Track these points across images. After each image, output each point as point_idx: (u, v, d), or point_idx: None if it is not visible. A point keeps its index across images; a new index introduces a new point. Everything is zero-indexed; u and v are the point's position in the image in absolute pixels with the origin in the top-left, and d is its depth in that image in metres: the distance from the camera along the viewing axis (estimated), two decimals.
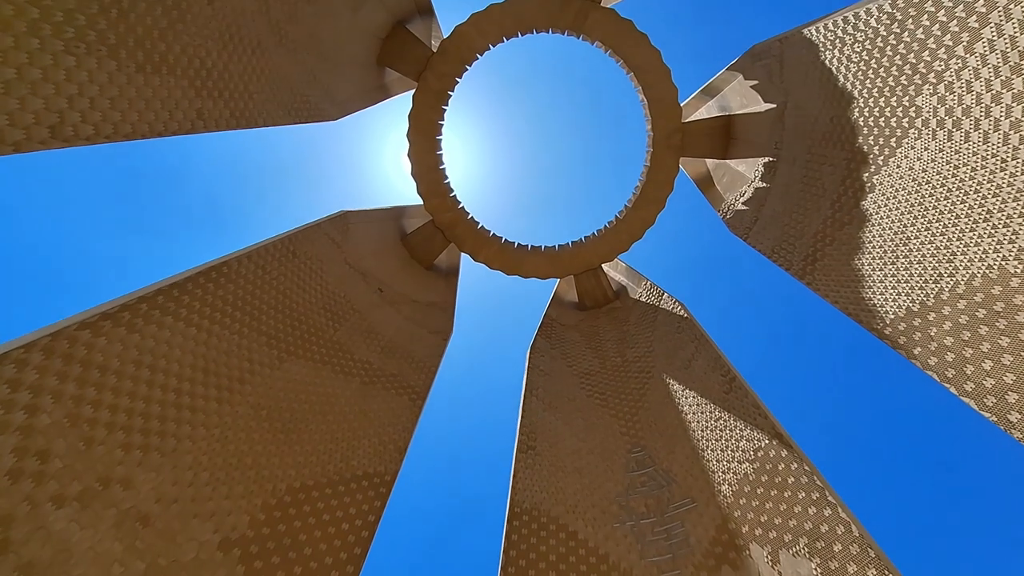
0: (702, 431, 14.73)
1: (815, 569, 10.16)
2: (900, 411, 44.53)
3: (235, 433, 11.68)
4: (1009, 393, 9.41)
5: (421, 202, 23.88)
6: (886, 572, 9.26)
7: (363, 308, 18.54)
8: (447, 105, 23.44)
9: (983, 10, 9.61)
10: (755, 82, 20.36)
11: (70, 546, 8.07)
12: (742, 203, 21.61)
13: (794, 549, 10.73)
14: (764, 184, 20.23)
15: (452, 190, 24.65)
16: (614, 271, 29.24)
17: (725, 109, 24.30)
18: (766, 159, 20.46)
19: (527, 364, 20.40)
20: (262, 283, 14.18)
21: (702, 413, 15.26)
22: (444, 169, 24.27)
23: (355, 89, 19.92)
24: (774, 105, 19.39)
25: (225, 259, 13.00)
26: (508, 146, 57.63)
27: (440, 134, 23.67)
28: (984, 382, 9.86)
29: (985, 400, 9.78)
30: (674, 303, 21.35)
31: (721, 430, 14.26)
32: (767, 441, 12.89)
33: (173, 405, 10.65)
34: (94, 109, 9.96)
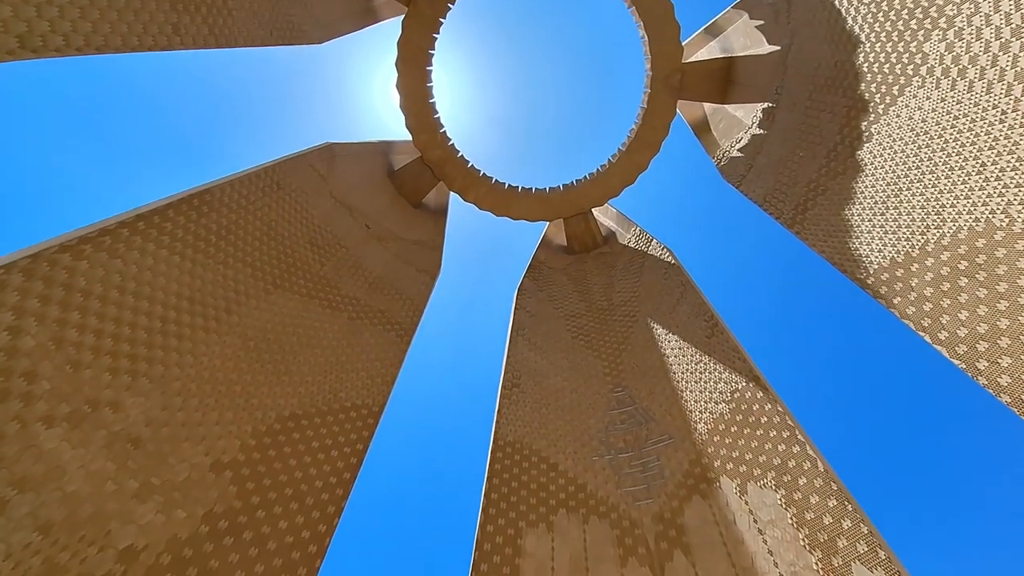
0: (683, 373, 15.19)
1: (780, 499, 10.83)
2: (875, 359, 46.71)
3: (223, 362, 11.73)
4: (980, 342, 9.76)
5: (410, 138, 23.15)
6: (846, 503, 9.91)
7: (350, 244, 18.31)
8: (439, 33, 22.22)
9: None
10: (761, 22, 19.57)
11: (62, 463, 8.22)
12: (738, 150, 21.31)
13: (762, 482, 11.38)
14: (761, 131, 19.89)
15: (442, 126, 23.84)
16: (604, 216, 29.05)
17: (727, 51, 23.46)
18: (765, 104, 20.00)
19: (514, 305, 20.57)
20: (246, 213, 13.84)
21: (684, 356, 15.68)
22: (434, 103, 23.33)
23: (341, 11, 18.74)
24: (778, 47, 18.75)
25: (207, 187, 12.59)
26: (502, 85, 55.42)
27: (431, 64, 22.56)
28: (958, 331, 10.20)
29: (956, 348, 10.15)
30: (662, 249, 21.42)
31: (701, 372, 14.71)
32: (744, 383, 13.36)
33: (160, 332, 10.60)
34: (63, 18, 9.24)
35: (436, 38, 22.08)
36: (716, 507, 11.86)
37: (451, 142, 24.43)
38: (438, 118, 23.51)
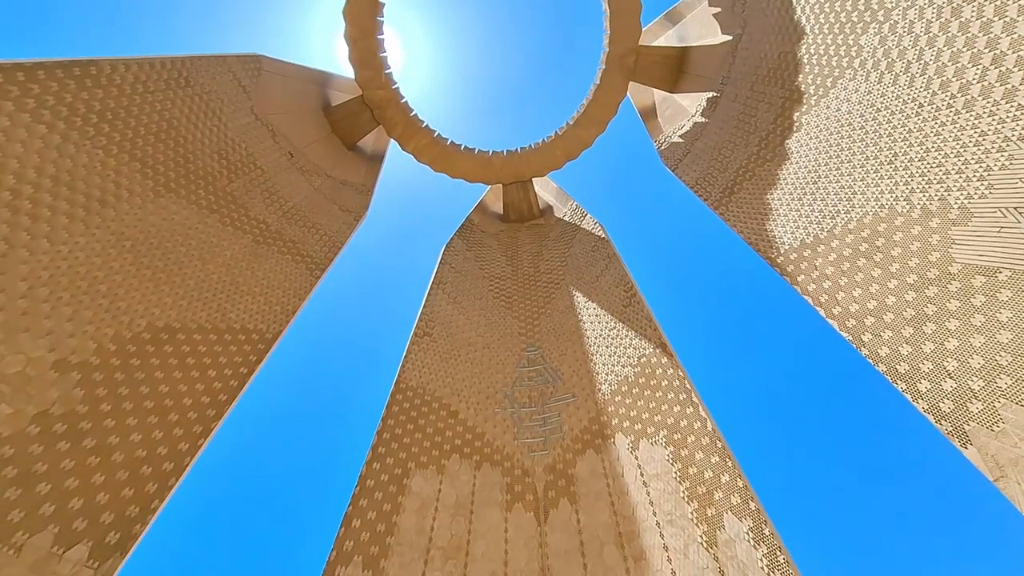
0: (596, 338, 15.20)
1: (668, 456, 10.98)
2: (778, 333, 50.91)
3: (88, 256, 10.31)
4: (868, 317, 10.26)
5: (352, 74, 21.78)
6: (727, 460, 10.16)
7: (267, 167, 16.88)
8: None
9: None
10: (717, 10, 19.85)
11: None
12: (679, 136, 21.63)
13: (654, 439, 11.52)
14: (703, 119, 20.26)
15: (388, 67, 22.62)
16: (544, 191, 28.84)
17: (683, 39, 23.72)
18: (710, 94, 20.38)
19: (440, 260, 19.91)
20: (142, 102, 12.27)
21: (599, 322, 15.69)
22: (383, 40, 22.04)
23: None
24: (729, 37, 19.10)
25: (95, 59, 11.00)
26: (459, 44, 54.05)
27: None
28: (850, 307, 10.69)
29: (847, 322, 10.64)
30: (594, 224, 21.45)
31: (613, 338, 14.76)
32: (651, 349, 13.49)
33: (7, 206, 9.10)
34: None
35: None
36: (607, 461, 11.90)
37: (396, 85, 23.23)
38: (385, 57, 22.23)
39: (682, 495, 10.18)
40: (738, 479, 9.72)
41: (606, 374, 13.83)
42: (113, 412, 9.38)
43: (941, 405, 8.61)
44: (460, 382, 14.51)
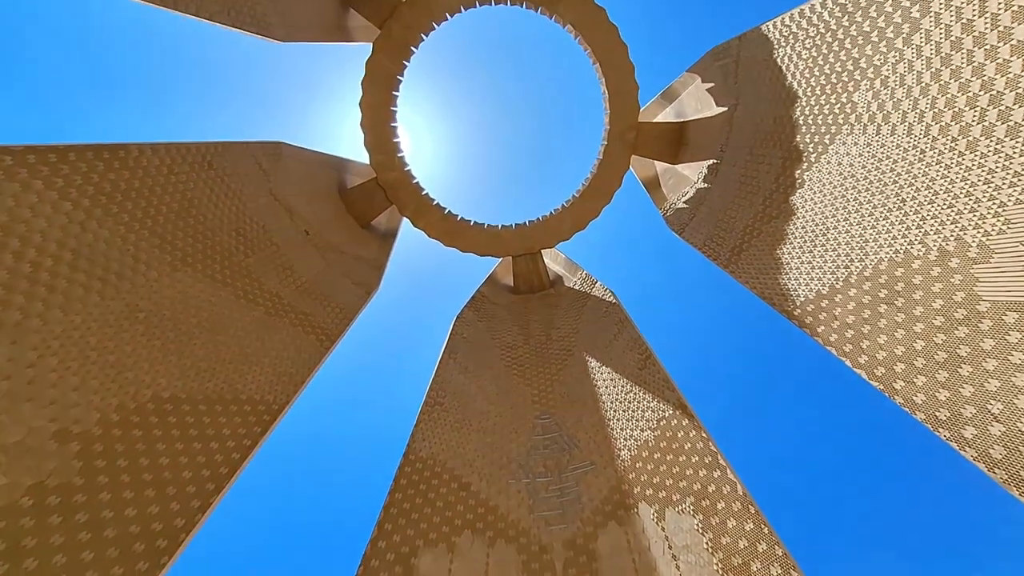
0: (612, 402, 14.60)
1: (697, 525, 10.06)
2: (801, 386, 48.73)
3: (101, 327, 10.41)
4: (897, 364, 9.73)
5: (367, 159, 23.03)
6: (762, 526, 9.25)
7: (283, 243, 17.42)
8: (408, 61, 22.72)
9: None
10: (711, 84, 20.96)
11: None
12: (683, 202, 22.08)
13: (680, 507, 10.62)
14: (705, 185, 20.75)
15: (401, 150, 23.92)
16: (553, 262, 29.20)
17: (681, 115, 24.93)
18: (711, 161, 21.02)
19: (451, 330, 19.80)
20: (166, 183, 12.94)
21: (615, 386, 15.16)
22: (396, 127, 23.50)
23: (311, 17, 18.96)
24: (725, 108, 19.99)
25: (125, 144, 11.77)
26: (466, 124, 57.39)
27: (397, 90, 22.89)
28: (876, 355, 10.18)
29: (875, 371, 10.08)
30: (604, 290, 21.43)
31: (630, 402, 14.17)
32: (670, 412, 12.86)
33: (26, 277, 9.34)
34: None
35: (406, 65, 22.59)
36: (632, 534, 10.92)
37: (408, 167, 24.43)
38: (398, 142, 23.59)
39: (716, 568, 9.20)
40: (776, 547, 8.79)
41: (625, 439, 13.11)
42: (109, 485, 9.00)
43: (991, 452, 7.89)
44: (472, 452, 13.84)
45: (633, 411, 13.65)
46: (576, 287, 24.56)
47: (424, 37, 22.31)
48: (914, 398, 9.24)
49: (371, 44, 21.29)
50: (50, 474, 8.45)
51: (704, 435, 11.60)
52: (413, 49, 22.33)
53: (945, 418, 8.75)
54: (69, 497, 8.46)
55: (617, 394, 14.69)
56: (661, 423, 12.66)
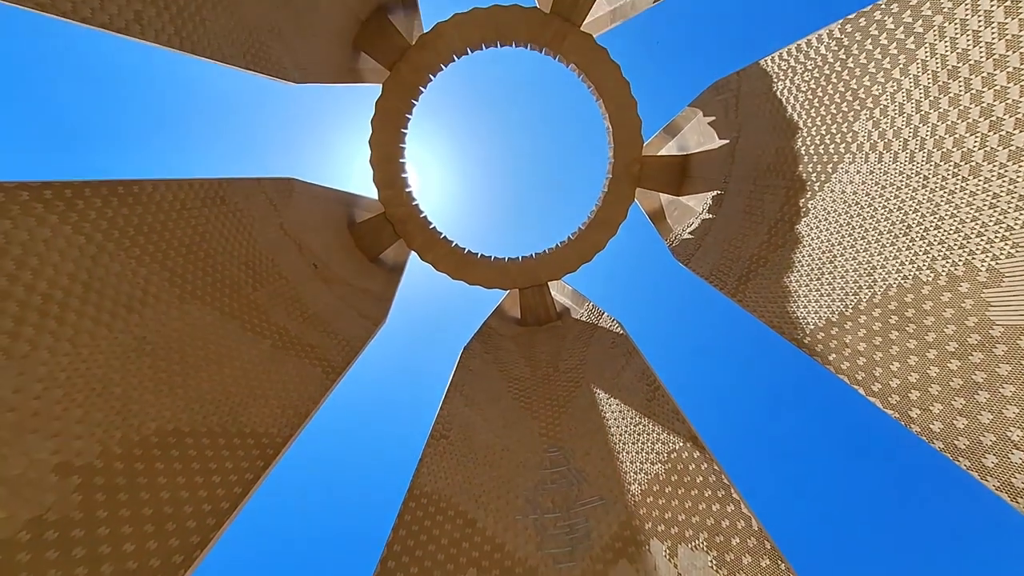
0: (620, 435, 14.29)
1: (711, 561, 9.64)
2: (813, 415, 47.06)
3: (108, 359, 10.47)
4: (912, 391, 9.47)
5: (375, 195, 23.48)
6: (779, 562, 8.85)
7: (292, 277, 17.61)
8: (417, 100, 23.40)
9: (920, 30, 10.27)
10: (712, 118, 21.33)
11: None
12: (688, 233, 22.16)
13: (693, 543, 10.21)
14: (710, 215, 20.85)
15: (409, 185, 24.39)
16: (560, 294, 29.20)
17: (684, 148, 25.30)
18: (715, 193, 21.19)
19: (457, 363, 19.67)
20: (179, 218, 13.24)
21: (623, 419, 14.87)
22: (404, 163, 24.04)
23: (323, 60, 19.72)
24: (727, 141, 20.28)
25: (139, 180, 12.11)
26: (473, 159, 58.50)
27: (406, 127, 23.50)
28: (890, 382, 9.93)
29: (890, 399, 9.81)
30: (612, 322, 21.31)
31: (639, 434, 13.86)
32: (681, 444, 12.55)
33: (36, 309, 9.48)
34: None
35: (415, 104, 23.29)
36: (643, 572, 10.47)
37: (416, 202, 24.85)
38: (406, 177, 24.09)
39: None
40: None
41: (635, 473, 12.77)
42: (109, 519, 8.85)
43: (1014, 480, 7.57)
44: (478, 487, 13.51)
45: (643, 444, 13.34)
46: (583, 318, 24.46)
47: (432, 78, 23.04)
48: (931, 426, 8.95)
49: (381, 85, 22.03)
50: (49, 508, 8.34)
51: (716, 467, 11.27)
52: (421, 89, 23.03)
53: (964, 447, 8.45)
54: (67, 532, 8.32)
55: (626, 426, 14.39)
56: (672, 456, 12.34)
